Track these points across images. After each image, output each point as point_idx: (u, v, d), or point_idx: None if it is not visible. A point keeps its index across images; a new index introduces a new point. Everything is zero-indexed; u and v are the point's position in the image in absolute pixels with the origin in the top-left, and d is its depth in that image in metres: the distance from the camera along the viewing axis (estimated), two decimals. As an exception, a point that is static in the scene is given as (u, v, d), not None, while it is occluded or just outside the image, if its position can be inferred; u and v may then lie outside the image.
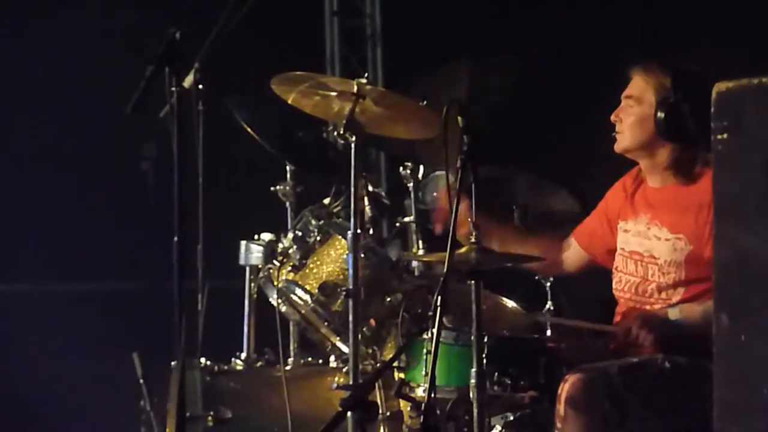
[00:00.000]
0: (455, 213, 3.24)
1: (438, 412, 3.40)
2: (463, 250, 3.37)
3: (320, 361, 4.40)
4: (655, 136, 3.76)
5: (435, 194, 4.28)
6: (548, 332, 3.98)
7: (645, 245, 3.82)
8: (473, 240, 3.39)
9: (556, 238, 4.14)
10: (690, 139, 3.70)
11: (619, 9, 6.01)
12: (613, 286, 3.94)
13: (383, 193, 4.33)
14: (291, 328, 4.46)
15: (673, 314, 3.67)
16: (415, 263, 4.33)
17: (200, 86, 3.30)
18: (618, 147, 3.86)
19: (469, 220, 3.38)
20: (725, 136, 2.35)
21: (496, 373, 3.55)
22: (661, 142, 3.76)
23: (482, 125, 3.50)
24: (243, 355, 4.42)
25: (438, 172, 4.30)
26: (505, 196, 4.49)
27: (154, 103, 3.11)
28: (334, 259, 4.12)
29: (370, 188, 4.23)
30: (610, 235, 3.99)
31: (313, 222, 4.22)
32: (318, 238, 4.18)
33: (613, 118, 3.87)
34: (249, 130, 4.25)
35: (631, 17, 5.97)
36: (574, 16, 5.94)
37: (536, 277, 4.14)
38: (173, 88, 3.05)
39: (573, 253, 4.13)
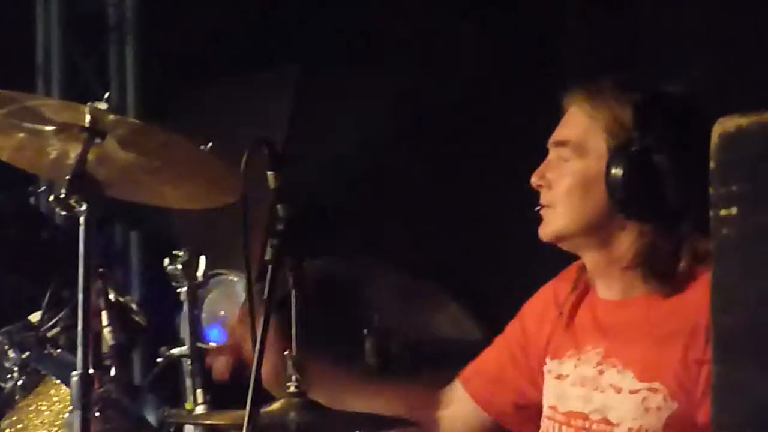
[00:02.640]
0: (261, 344, 2.78)
1: None
2: (275, 405, 2.98)
3: None
4: (609, 212, 3.24)
5: (222, 313, 4.14)
6: None
7: (594, 401, 3.25)
8: (293, 388, 2.98)
9: (436, 385, 3.68)
10: (669, 215, 3.20)
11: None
12: (540, 474, 3.48)
13: (134, 306, 3.95)
14: None
15: None
16: (189, 428, 3.93)
17: None
18: (545, 231, 3.29)
19: (286, 353, 2.96)
20: (733, 210, 2.06)
21: None
22: (621, 221, 3.25)
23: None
24: None
25: (230, 276, 4.13)
26: (353, 312, 4.09)
27: None
28: (48, 420, 3.72)
29: (113, 297, 3.83)
30: (524, 382, 3.47)
31: (12, 355, 3.86)
32: (20, 383, 3.80)
33: (535, 180, 3.29)
34: None
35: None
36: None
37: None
38: None
39: (459, 411, 3.59)
